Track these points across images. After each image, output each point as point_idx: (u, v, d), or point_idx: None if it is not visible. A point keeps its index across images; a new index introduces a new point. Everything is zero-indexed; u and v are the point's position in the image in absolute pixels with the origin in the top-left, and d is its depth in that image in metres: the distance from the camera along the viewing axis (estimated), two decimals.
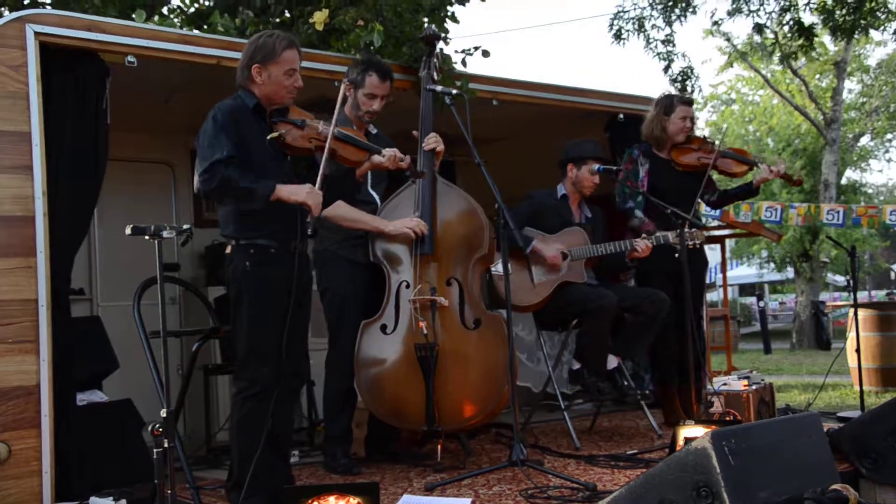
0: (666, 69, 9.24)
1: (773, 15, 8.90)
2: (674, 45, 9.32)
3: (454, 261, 4.12)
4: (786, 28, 8.59)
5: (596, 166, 4.75)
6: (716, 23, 10.17)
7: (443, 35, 5.09)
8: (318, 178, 3.33)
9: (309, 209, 3.27)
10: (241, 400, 3.31)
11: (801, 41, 8.32)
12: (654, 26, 9.27)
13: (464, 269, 4.11)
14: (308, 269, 3.53)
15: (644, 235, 4.66)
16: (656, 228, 4.67)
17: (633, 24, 9.28)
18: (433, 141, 4.19)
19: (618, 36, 9.38)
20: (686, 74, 9.13)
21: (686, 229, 4.43)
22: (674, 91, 8.79)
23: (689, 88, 9.08)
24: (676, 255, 4.38)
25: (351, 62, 4.31)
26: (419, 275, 4.05)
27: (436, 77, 4.35)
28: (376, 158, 3.77)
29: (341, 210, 4.03)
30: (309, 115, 3.52)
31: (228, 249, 3.38)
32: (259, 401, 3.28)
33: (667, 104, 5.00)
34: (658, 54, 9.26)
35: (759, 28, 8.87)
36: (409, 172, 3.99)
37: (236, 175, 3.18)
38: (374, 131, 4.31)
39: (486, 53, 5.02)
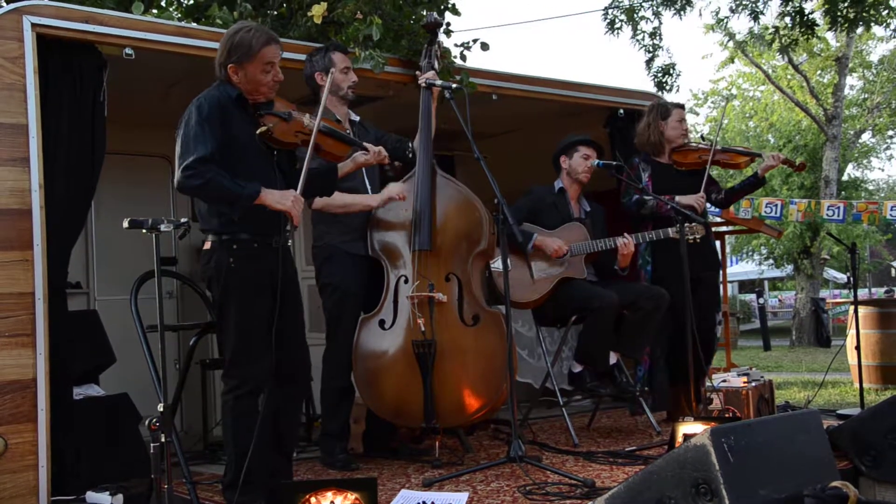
0: (649, 62, 9.26)
1: (772, 7, 8.94)
2: (660, 39, 9.35)
3: (453, 256, 4.10)
4: (787, 19, 8.58)
5: (595, 161, 4.74)
6: (720, 20, 10.17)
7: (444, 22, 5.06)
8: (301, 180, 3.25)
9: (291, 218, 3.20)
10: (234, 399, 3.25)
11: (801, 30, 8.31)
12: (642, 17, 9.28)
13: (463, 264, 4.09)
14: (293, 264, 3.48)
15: (624, 234, 4.66)
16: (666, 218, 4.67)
17: (628, 15, 9.29)
18: (431, 75, 4.18)
19: (611, 26, 9.37)
20: (667, 70, 9.14)
21: (686, 224, 4.41)
22: (654, 86, 8.84)
23: (667, 84, 9.09)
24: (690, 237, 4.38)
25: (306, 58, 4.23)
26: (417, 270, 4.03)
27: (436, 67, 4.33)
28: (360, 157, 3.75)
29: (329, 197, 4.00)
30: (293, 106, 3.47)
31: (207, 245, 3.29)
32: (252, 400, 3.24)
33: (662, 110, 5.07)
34: (643, 46, 9.28)
35: (755, 15, 8.87)
36: (388, 167, 3.98)
37: (221, 175, 3.10)
38: (357, 118, 4.29)
39: (485, 46, 4.99)
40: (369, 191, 4.20)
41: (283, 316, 3.27)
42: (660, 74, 9.15)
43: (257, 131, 3.25)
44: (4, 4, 3.58)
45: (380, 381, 4.02)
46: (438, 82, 4.23)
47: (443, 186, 4.19)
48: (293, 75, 4.28)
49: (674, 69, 9.15)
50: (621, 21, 9.33)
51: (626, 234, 4.61)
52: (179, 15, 5.59)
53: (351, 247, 4.15)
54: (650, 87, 9.25)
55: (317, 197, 3.81)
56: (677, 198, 4.80)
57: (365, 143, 3.79)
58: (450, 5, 5.32)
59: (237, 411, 3.25)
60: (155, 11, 5.35)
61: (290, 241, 3.46)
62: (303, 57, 4.30)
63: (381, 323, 4.05)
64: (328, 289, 4.15)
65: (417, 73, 4.26)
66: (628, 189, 4.89)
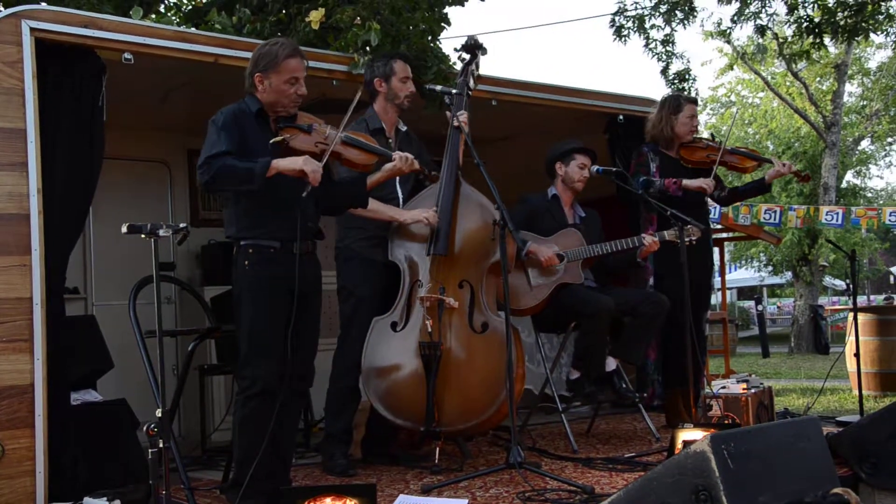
0: (664, 70, 9.18)
1: (776, 17, 8.85)
2: (673, 45, 9.25)
3: (468, 264, 4.12)
4: (793, 28, 8.54)
5: (595, 167, 4.74)
6: (722, 32, 10.10)
7: (440, 31, 5.07)
8: (325, 156, 3.31)
9: (306, 178, 3.23)
10: (243, 399, 3.29)
11: (810, 39, 8.28)
12: (653, 26, 9.21)
13: (477, 272, 4.10)
14: (315, 270, 3.51)
15: (651, 232, 4.65)
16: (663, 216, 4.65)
17: (634, 22, 9.22)
18: (464, 117, 4.19)
19: (619, 33, 9.32)
20: (683, 76, 9.07)
21: (685, 227, 4.41)
22: (670, 92, 8.77)
23: (686, 90, 9.03)
24: (687, 240, 4.37)
25: (363, 63, 4.34)
26: (432, 274, 4.05)
27: (472, 86, 4.37)
28: (387, 166, 3.77)
29: None
30: (319, 120, 3.50)
31: (234, 251, 3.39)
32: (262, 400, 3.26)
33: (674, 104, 5.03)
34: (657, 54, 9.20)
35: (761, 30, 8.84)
36: (422, 176, 4.00)
37: (232, 160, 3.18)
38: (404, 129, 4.34)
39: (483, 51, 4.98)
40: (400, 196, 4.24)
41: (299, 320, 3.31)
42: (677, 81, 9.05)
43: (272, 140, 3.30)
44: (3, 9, 3.56)
45: (386, 381, 4.03)
46: (438, 88, 4.26)
47: (465, 196, 4.22)
48: None
49: (689, 74, 9.06)
50: (629, 28, 9.27)
51: (648, 234, 4.62)
52: (178, 20, 5.59)
53: (369, 252, 4.18)
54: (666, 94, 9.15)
55: (349, 208, 3.86)
56: (684, 181, 4.81)
57: (392, 153, 3.79)
58: (443, 15, 5.32)
59: (244, 412, 3.29)
60: (154, 17, 5.35)
61: (317, 241, 3.51)
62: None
63: (393, 325, 4.08)
64: (344, 292, 4.21)
65: (448, 112, 4.26)
66: (637, 170, 4.89)
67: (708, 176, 4.90)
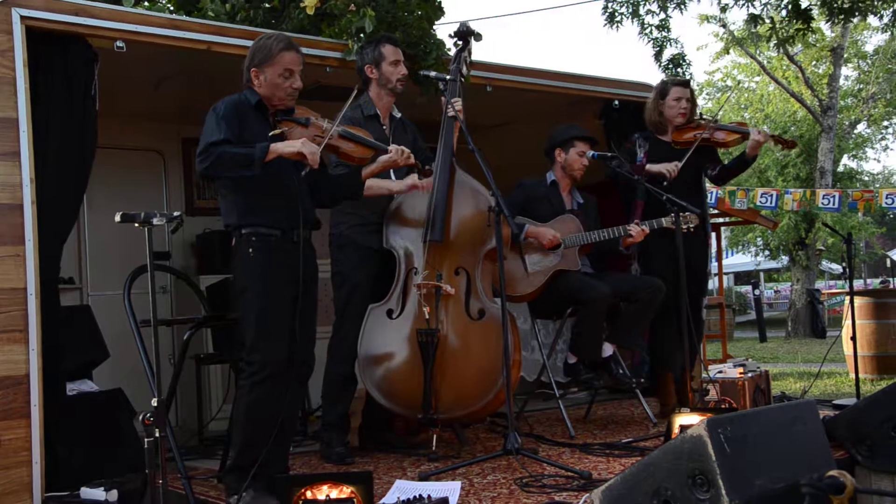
0: (657, 55, 9.10)
1: (771, 3, 8.78)
2: (668, 31, 9.16)
3: (464, 250, 4.11)
4: (783, 13, 8.49)
5: (590, 152, 4.72)
6: (723, 8, 10.00)
7: (437, 19, 5.04)
8: (326, 140, 3.36)
9: (305, 160, 3.25)
10: (251, 385, 3.27)
11: (797, 25, 8.24)
12: (648, 11, 9.12)
13: (473, 259, 4.09)
14: (313, 258, 3.52)
15: (636, 221, 4.63)
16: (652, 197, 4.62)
17: (628, 8, 9.13)
18: (458, 104, 4.17)
19: (611, 19, 9.24)
20: (677, 61, 8.99)
21: (683, 214, 4.39)
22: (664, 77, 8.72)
23: (680, 75, 8.97)
24: (685, 227, 4.35)
25: (357, 51, 4.32)
26: (428, 261, 4.04)
27: (465, 72, 4.35)
28: (382, 157, 3.77)
29: None
30: (315, 114, 3.52)
31: (234, 241, 3.38)
32: (270, 385, 3.26)
33: (661, 89, 5.04)
34: (653, 39, 9.10)
35: (753, 18, 8.76)
36: (416, 171, 3.99)
37: (231, 146, 3.19)
38: (399, 115, 4.32)
39: (477, 36, 4.95)
40: None
41: (301, 307, 3.32)
42: (671, 66, 8.96)
43: (270, 133, 3.31)
44: None
45: (383, 369, 4.03)
46: (432, 74, 4.24)
47: (460, 182, 4.20)
48: None
49: (684, 59, 8.95)
50: (622, 15, 9.16)
51: (635, 224, 4.59)
52: (171, 7, 5.55)
53: (365, 239, 4.17)
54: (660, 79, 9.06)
55: (344, 199, 3.88)
56: (648, 165, 4.81)
57: (388, 146, 3.80)
58: (437, 2, 5.27)
59: (252, 398, 3.27)
60: (146, 3, 5.30)
61: (314, 230, 3.52)
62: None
63: (389, 312, 4.07)
64: (338, 278, 4.20)
65: (443, 98, 4.24)
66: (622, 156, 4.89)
67: (702, 155, 4.87)
